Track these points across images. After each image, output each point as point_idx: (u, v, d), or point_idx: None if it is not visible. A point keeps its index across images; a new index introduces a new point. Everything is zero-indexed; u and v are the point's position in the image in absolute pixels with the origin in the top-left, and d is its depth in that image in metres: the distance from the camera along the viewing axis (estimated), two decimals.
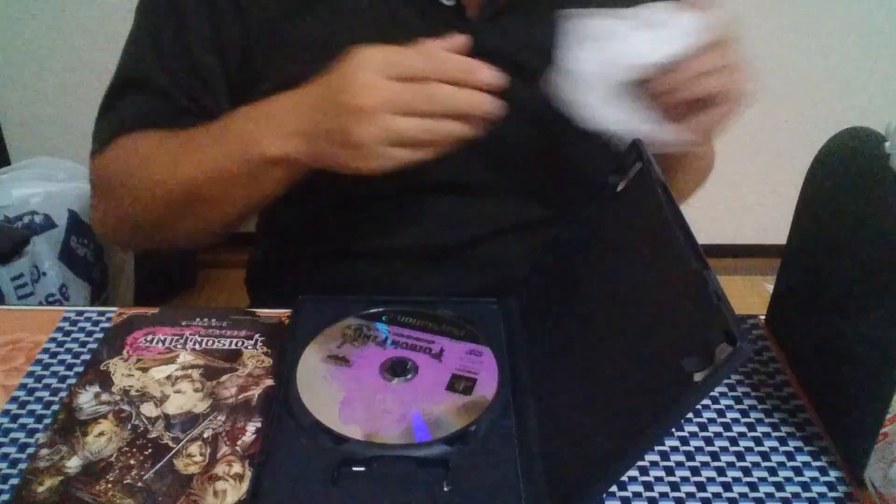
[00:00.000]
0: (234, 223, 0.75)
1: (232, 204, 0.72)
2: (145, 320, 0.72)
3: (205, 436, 0.61)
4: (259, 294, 0.93)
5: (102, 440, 0.60)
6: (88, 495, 0.56)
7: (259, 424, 0.61)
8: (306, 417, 0.60)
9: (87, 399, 0.64)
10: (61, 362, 0.69)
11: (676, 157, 0.75)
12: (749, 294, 1.91)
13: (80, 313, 0.74)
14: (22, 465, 0.59)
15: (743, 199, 2.02)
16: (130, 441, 0.60)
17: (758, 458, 0.61)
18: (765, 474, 0.60)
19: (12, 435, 0.62)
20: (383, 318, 0.71)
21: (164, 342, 0.70)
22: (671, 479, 0.59)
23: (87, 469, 0.58)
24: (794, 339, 0.71)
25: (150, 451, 0.59)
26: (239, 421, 0.62)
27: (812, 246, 0.68)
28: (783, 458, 0.62)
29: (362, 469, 0.57)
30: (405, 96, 0.59)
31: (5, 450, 0.60)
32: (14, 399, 0.65)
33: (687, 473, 0.60)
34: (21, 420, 0.63)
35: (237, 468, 0.58)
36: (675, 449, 0.62)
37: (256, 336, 0.71)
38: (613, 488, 0.58)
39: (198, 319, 0.72)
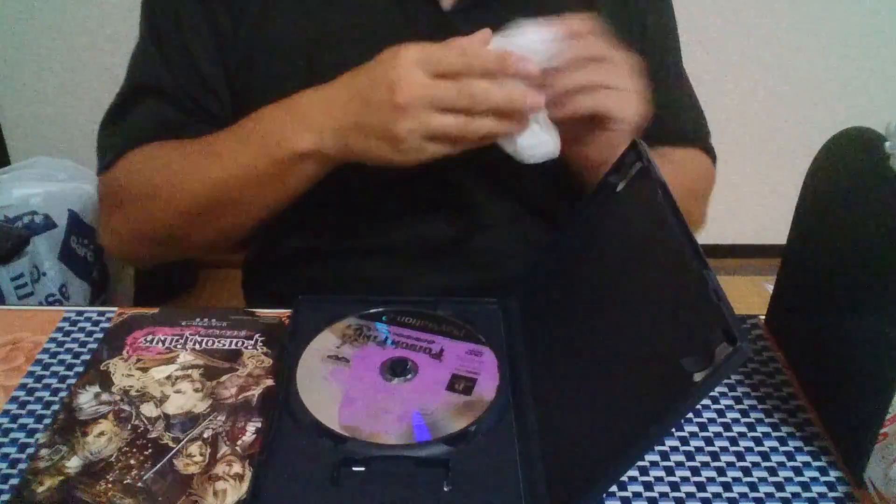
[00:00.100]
0: (257, 225, 0.75)
1: (259, 205, 0.72)
2: (145, 320, 0.72)
3: (205, 436, 0.61)
4: (253, 293, 0.93)
5: (102, 440, 0.60)
6: (88, 495, 0.56)
7: (259, 424, 0.61)
8: (306, 417, 0.60)
9: (87, 399, 0.64)
10: (61, 362, 0.69)
11: None
12: (749, 294, 1.91)
13: (80, 313, 0.74)
14: (22, 465, 0.59)
15: (743, 199, 2.02)
16: (130, 441, 0.60)
17: (758, 458, 0.61)
18: (765, 474, 0.60)
19: (12, 435, 0.62)
20: (383, 318, 0.71)
21: (164, 342, 0.70)
22: (671, 479, 0.59)
23: (87, 469, 0.58)
24: (794, 339, 0.71)
25: (150, 451, 0.59)
26: (239, 421, 0.62)
27: (812, 246, 0.68)
28: (783, 458, 0.62)
29: (362, 469, 0.57)
30: (443, 93, 0.61)
31: (5, 450, 0.60)
32: (14, 399, 0.65)
33: (687, 473, 0.60)
34: (21, 420, 0.63)
35: (237, 468, 0.58)
36: (675, 449, 0.62)
37: (256, 336, 0.71)
38: (613, 488, 0.58)
39: (198, 319, 0.72)
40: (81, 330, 0.72)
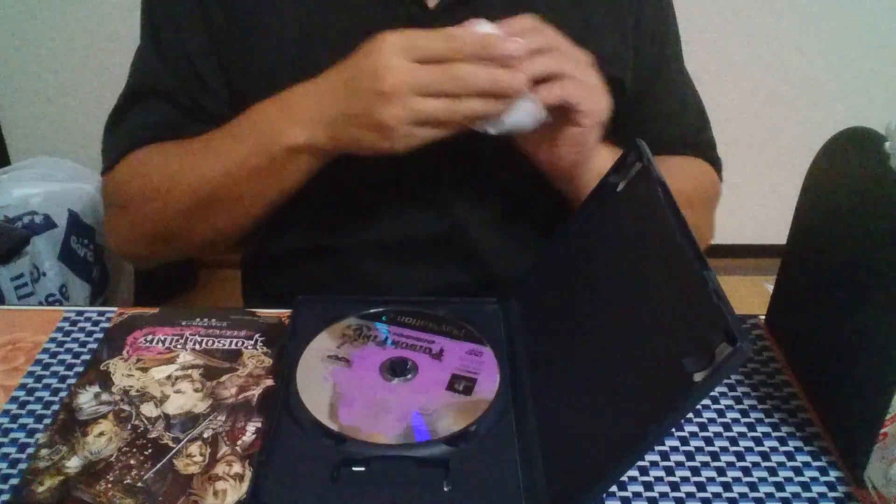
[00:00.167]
0: (256, 222, 0.76)
1: (256, 201, 0.73)
2: (145, 320, 0.72)
3: (205, 436, 0.61)
4: (251, 293, 0.94)
5: (102, 440, 0.60)
6: (88, 495, 0.56)
7: (259, 424, 0.61)
8: (306, 417, 0.60)
9: (87, 399, 0.64)
10: (61, 362, 0.69)
11: None
12: (749, 294, 1.91)
13: (80, 313, 0.74)
14: (22, 465, 0.59)
15: (743, 199, 2.02)
16: (130, 441, 0.60)
17: (758, 458, 0.61)
18: (765, 474, 0.60)
19: (12, 435, 0.62)
20: (383, 318, 0.71)
21: (164, 342, 0.70)
22: (671, 479, 0.59)
23: (87, 469, 0.58)
24: (794, 339, 0.71)
25: (150, 451, 0.59)
26: (239, 421, 0.62)
27: (812, 246, 0.68)
28: (783, 458, 0.62)
29: (362, 469, 0.57)
30: (427, 77, 0.61)
31: (5, 450, 0.60)
32: (14, 399, 0.65)
33: (687, 473, 0.60)
34: (21, 420, 0.63)
35: (237, 468, 0.58)
36: (675, 449, 0.62)
37: (256, 336, 0.71)
38: (613, 488, 0.58)
39: (198, 319, 0.72)
40: (81, 330, 0.72)
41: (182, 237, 0.77)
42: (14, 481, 0.57)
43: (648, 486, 0.59)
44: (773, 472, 0.60)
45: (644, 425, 0.48)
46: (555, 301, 0.68)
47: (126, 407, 0.63)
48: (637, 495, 0.58)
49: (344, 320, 0.70)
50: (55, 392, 0.66)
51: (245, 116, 0.71)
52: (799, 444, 0.63)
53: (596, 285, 0.64)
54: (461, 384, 0.64)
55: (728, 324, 0.46)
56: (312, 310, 0.71)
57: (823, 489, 0.59)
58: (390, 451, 0.58)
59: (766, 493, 0.58)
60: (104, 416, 0.62)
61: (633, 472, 0.60)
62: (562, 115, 0.67)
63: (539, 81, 0.65)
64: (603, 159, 0.73)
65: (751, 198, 2.02)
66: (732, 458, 0.61)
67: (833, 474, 0.60)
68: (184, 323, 0.72)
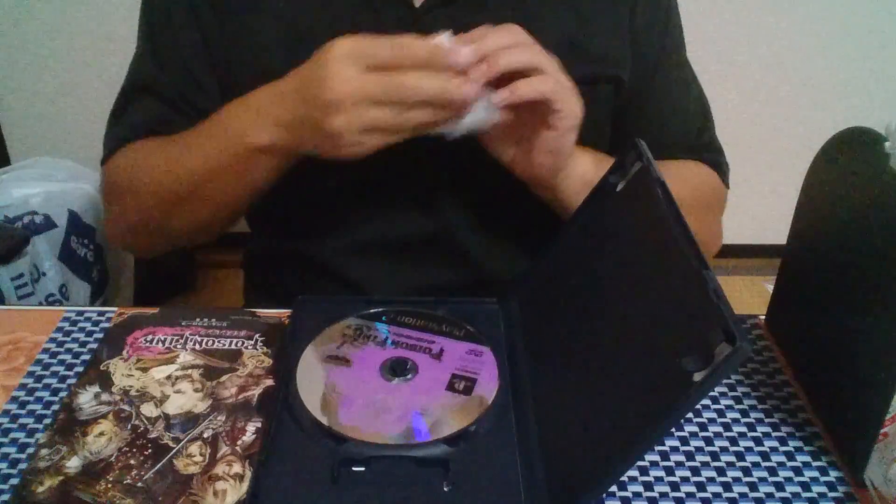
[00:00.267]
0: (232, 216, 0.78)
1: (229, 196, 0.74)
2: (145, 320, 0.72)
3: (205, 436, 0.60)
4: (252, 291, 0.95)
5: (102, 440, 0.60)
6: (88, 495, 0.56)
7: (259, 424, 0.61)
8: (306, 417, 0.60)
9: (87, 399, 0.64)
10: (61, 362, 0.69)
11: None
12: (749, 294, 1.91)
13: (80, 313, 0.75)
14: (22, 465, 0.59)
15: (743, 199, 2.02)
16: (130, 441, 0.60)
17: (758, 458, 0.61)
18: (765, 474, 0.60)
19: (12, 435, 0.62)
20: (383, 318, 0.71)
21: (164, 342, 0.70)
22: (671, 479, 0.59)
23: (87, 469, 0.58)
24: (794, 339, 0.71)
25: (150, 451, 0.59)
26: (239, 421, 0.62)
27: (812, 246, 0.68)
28: (783, 458, 0.62)
29: (362, 469, 0.57)
30: (375, 87, 0.61)
31: (5, 450, 0.60)
32: (14, 399, 0.65)
33: (687, 473, 0.60)
34: (21, 420, 0.63)
35: (237, 468, 0.58)
36: (675, 449, 0.62)
37: (256, 336, 0.71)
38: (613, 488, 0.58)
39: (198, 319, 0.72)
40: (81, 330, 0.72)
41: (163, 228, 0.79)
42: (14, 481, 0.57)
43: (648, 486, 0.59)
44: (773, 472, 0.60)
45: (644, 425, 0.48)
46: (554, 301, 0.68)
47: (126, 407, 0.63)
48: (637, 495, 0.58)
49: (344, 320, 0.70)
50: (55, 392, 0.66)
51: (217, 116, 0.73)
52: (799, 444, 0.63)
53: (595, 285, 0.64)
54: (461, 384, 0.64)
55: (728, 324, 0.46)
56: (312, 310, 0.71)
57: (823, 489, 0.59)
58: (390, 451, 0.58)
59: (766, 493, 0.58)
60: (104, 416, 0.62)
61: (633, 472, 0.60)
62: (536, 119, 0.67)
63: (512, 78, 0.64)
64: (585, 165, 0.73)
65: (751, 198, 2.02)
66: (732, 458, 0.61)
67: (833, 474, 0.60)
68: (184, 323, 0.72)
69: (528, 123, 0.68)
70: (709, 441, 0.63)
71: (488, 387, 0.64)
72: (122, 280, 1.71)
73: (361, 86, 0.61)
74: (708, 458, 0.61)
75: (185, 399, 0.64)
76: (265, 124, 0.68)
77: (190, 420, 0.62)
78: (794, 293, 0.71)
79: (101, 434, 0.60)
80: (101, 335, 0.71)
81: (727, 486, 0.59)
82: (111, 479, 0.57)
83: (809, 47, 1.86)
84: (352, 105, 0.61)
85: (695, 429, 0.64)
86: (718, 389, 0.68)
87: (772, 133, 1.95)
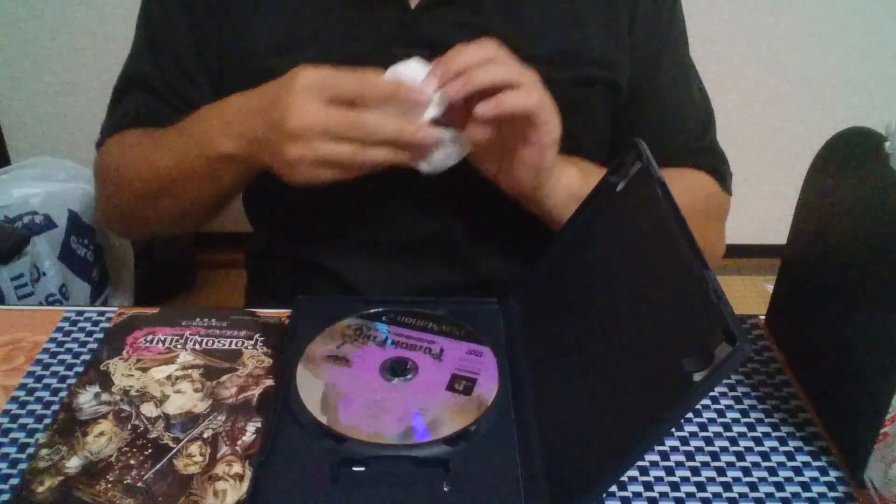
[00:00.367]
0: (211, 210, 0.80)
1: (201, 195, 0.76)
2: (145, 320, 0.72)
3: (205, 436, 0.61)
4: (252, 289, 0.96)
5: (102, 440, 0.60)
6: (88, 495, 0.56)
7: (259, 424, 0.61)
8: (306, 417, 0.60)
9: (87, 399, 0.64)
10: (61, 362, 0.69)
11: None
12: (749, 294, 1.91)
13: (80, 313, 0.75)
14: (22, 465, 0.59)
15: (743, 199, 2.02)
16: (130, 441, 0.60)
17: (758, 458, 0.61)
18: (765, 474, 0.60)
19: (12, 435, 0.62)
20: (383, 318, 0.71)
21: (164, 342, 0.70)
22: (671, 479, 0.59)
23: (87, 469, 0.58)
24: (794, 339, 0.71)
25: (150, 451, 0.59)
26: (239, 421, 0.62)
27: (812, 246, 0.68)
28: (783, 458, 0.62)
29: (362, 469, 0.57)
30: (334, 123, 0.62)
31: (5, 450, 0.60)
32: (14, 399, 0.65)
33: (687, 473, 0.60)
34: (21, 420, 0.63)
35: (237, 468, 0.58)
36: (675, 449, 0.62)
37: (256, 336, 0.71)
38: (613, 488, 0.58)
39: (198, 319, 0.72)
40: (81, 330, 0.72)
41: (144, 217, 0.82)
42: (14, 481, 0.57)
43: (648, 486, 0.59)
44: (773, 472, 0.60)
45: (644, 425, 0.48)
46: (555, 301, 0.68)
47: (126, 407, 0.63)
48: (637, 495, 0.58)
49: (344, 320, 0.70)
50: (55, 392, 0.66)
51: (192, 118, 0.74)
52: (799, 444, 0.63)
53: (595, 285, 0.64)
54: (461, 384, 0.64)
55: (728, 324, 0.46)
56: (312, 310, 0.72)
57: (823, 489, 0.59)
58: (390, 451, 0.58)
59: (766, 493, 0.58)
60: (104, 416, 0.62)
61: (633, 472, 0.60)
62: (517, 135, 0.67)
63: (493, 92, 0.64)
64: (571, 178, 0.73)
65: (751, 198, 2.02)
66: (732, 458, 0.61)
67: (833, 474, 0.60)
68: (184, 323, 0.72)
69: (509, 139, 0.68)
70: (709, 441, 0.63)
71: (488, 387, 0.64)
72: (122, 280, 1.71)
73: (322, 120, 0.62)
74: (708, 458, 0.61)
75: (185, 399, 0.64)
76: (230, 134, 0.68)
77: (190, 420, 0.62)
78: (794, 293, 0.71)
79: (101, 434, 0.60)
80: (101, 335, 0.71)
81: (727, 486, 0.59)
82: (111, 479, 0.57)
83: (809, 47, 1.86)
84: (310, 138, 0.62)
85: (695, 429, 0.64)
86: (718, 389, 0.68)
87: (772, 133, 1.95)
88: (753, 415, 0.65)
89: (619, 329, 0.58)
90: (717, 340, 0.45)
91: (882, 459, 0.57)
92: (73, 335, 0.72)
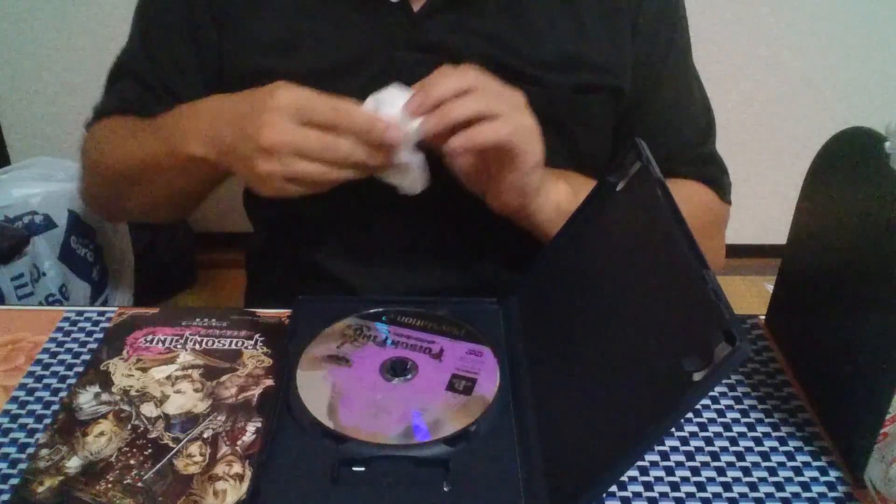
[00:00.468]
0: (187, 203, 0.83)
1: (169, 188, 0.78)
2: (145, 320, 0.72)
3: (205, 436, 0.61)
4: (252, 289, 0.96)
5: (102, 440, 0.60)
6: (88, 495, 0.56)
7: (259, 424, 0.61)
8: (306, 417, 0.60)
9: (87, 399, 0.64)
10: (61, 362, 0.69)
11: None
12: (749, 294, 1.90)
13: (80, 313, 0.74)
14: (22, 465, 0.59)
15: (743, 199, 2.01)
16: (130, 441, 0.60)
17: (758, 458, 0.61)
18: (765, 474, 0.60)
19: (12, 435, 0.62)
20: (383, 318, 0.71)
21: (164, 342, 0.70)
22: (671, 479, 0.59)
23: (87, 469, 0.58)
24: (794, 339, 0.71)
25: (150, 451, 0.59)
26: (239, 421, 0.62)
27: (812, 246, 0.68)
28: (783, 458, 0.62)
29: (362, 469, 0.57)
30: (308, 144, 0.63)
31: (5, 450, 0.60)
32: (14, 399, 0.65)
33: (687, 473, 0.60)
34: (21, 420, 0.63)
35: (237, 468, 0.58)
36: (675, 449, 0.62)
37: (256, 336, 0.71)
38: (613, 488, 0.58)
39: (198, 319, 0.72)
40: (81, 330, 0.72)
41: (113, 203, 0.87)
42: (14, 481, 0.57)
43: (648, 486, 0.59)
44: (773, 472, 0.60)
45: (644, 425, 0.48)
46: (554, 301, 0.68)
47: (126, 407, 0.63)
48: (637, 495, 0.58)
49: (344, 320, 0.70)
50: (55, 392, 0.66)
51: (169, 113, 0.75)
52: (799, 444, 0.63)
53: (595, 285, 0.64)
54: (461, 384, 0.64)
55: (727, 323, 0.46)
56: (312, 310, 0.72)
57: (823, 489, 0.59)
58: (390, 451, 0.58)
59: (766, 493, 0.58)
60: (104, 416, 0.62)
61: (633, 472, 0.60)
62: (498, 161, 0.66)
63: (470, 123, 0.64)
64: (560, 195, 0.73)
65: (751, 198, 2.02)
66: (732, 458, 0.61)
67: (833, 474, 0.60)
68: (184, 323, 0.72)
69: (492, 164, 0.68)
70: (709, 441, 0.63)
71: (488, 387, 0.64)
72: (122, 280, 1.71)
73: (294, 139, 0.62)
74: (708, 458, 0.61)
75: (185, 399, 0.64)
76: (204, 138, 0.69)
77: (190, 420, 0.62)
78: (794, 293, 0.71)
79: (101, 434, 0.60)
80: (101, 335, 0.71)
81: (727, 486, 0.59)
82: (111, 479, 0.57)
83: (809, 47, 1.86)
84: (283, 154, 0.63)
85: (695, 429, 0.64)
86: (718, 389, 0.68)
87: (772, 133, 1.95)
88: (753, 415, 0.65)
89: (619, 329, 0.58)
90: (717, 340, 0.45)
91: (882, 459, 0.57)
92: (73, 335, 0.72)
